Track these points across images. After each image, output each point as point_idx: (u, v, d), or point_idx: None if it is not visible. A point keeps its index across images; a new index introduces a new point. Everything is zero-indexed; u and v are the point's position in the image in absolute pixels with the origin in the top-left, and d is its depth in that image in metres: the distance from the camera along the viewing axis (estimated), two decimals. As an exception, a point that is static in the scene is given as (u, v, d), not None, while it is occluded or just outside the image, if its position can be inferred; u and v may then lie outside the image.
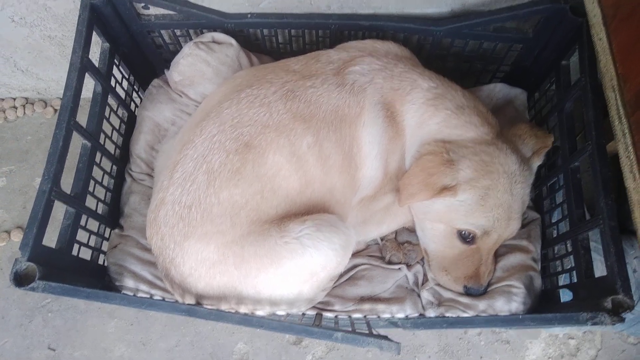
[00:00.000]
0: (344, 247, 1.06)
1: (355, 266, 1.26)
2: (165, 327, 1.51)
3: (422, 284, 1.24)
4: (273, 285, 1.04)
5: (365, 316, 1.17)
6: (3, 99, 1.85)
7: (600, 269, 1.06)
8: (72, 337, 1.51)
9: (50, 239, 1.01)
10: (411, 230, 1.30)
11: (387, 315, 1.17)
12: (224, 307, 1.06)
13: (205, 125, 1.08)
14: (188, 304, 1.05)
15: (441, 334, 1.47)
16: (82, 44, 1.16)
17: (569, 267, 1.12)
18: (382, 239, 1.31)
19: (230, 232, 1.03)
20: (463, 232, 1.09)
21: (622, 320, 0.86)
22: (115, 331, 1.52)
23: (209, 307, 1.06)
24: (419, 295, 1.22)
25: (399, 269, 1.25)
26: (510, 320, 1.01)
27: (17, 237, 1.65)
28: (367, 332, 0.99)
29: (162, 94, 1.44)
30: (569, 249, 1.13)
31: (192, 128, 1.11)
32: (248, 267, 1.02)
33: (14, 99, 1.85)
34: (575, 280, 1.08)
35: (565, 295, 1.12)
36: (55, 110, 1.85)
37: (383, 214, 1.23)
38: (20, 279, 0.94)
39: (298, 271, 1.03)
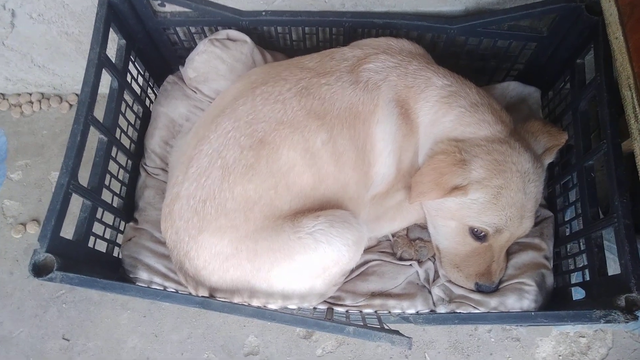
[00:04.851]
0: (357, 242, 1.07)
1: (366, 262, 1.27)
2: (177, 320, 1.53)
3: (433, 280, 1.24)
4: (286, 280, 1.05)
5: (376, 311, 1.18)
6: (20, 94, 1.87)
7: (612, 268, 1.06)
8: (85, 328, 1.54)
9: (65, 232, 1.02)
10: (423, 227, 1.30)
11: (397, 311, 1.17)
12: (236, 300, 1.07)
13: (220, 121, 1.09)
14: (202, 297, 1.07)
15: (451, 331, 1.47)
16: (100, 40, 1.17)
17: (581, 265, 1.12)
18: (393, 236, 1.32)
19: (244, 227, 1.04)
20: (475, 230, 1.09)
21: (636, 318, 0.86)
22: (128, 323, 1.54)
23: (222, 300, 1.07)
24: (429, 292, 1.23)
25: (410, 265, 1.26)
26: (522, 317, 1.01)
27: (32, 229, 1.67)
28: (378, 326, 1.00)
29: (177, 90, 1.46)
30: (582, 247, 1.12)
31: (207, 124, 1.12)
32: (261, 261, 1.04)
33: (30, 94, 1.88)
34: (588, 279, 1.08)
35: (577, 294, 1.12)
36: (71, 105, 1.87)
37: (395, 210, 1.23)
38: (39, 270, 0.96)
39: (311, 266, 1.04)
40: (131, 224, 1.32)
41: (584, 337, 1.46)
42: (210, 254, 1.05)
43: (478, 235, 1.10)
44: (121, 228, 1.32)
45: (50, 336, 1.54)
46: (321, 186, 1.10)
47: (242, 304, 1.05)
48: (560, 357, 1.44)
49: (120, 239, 1.31)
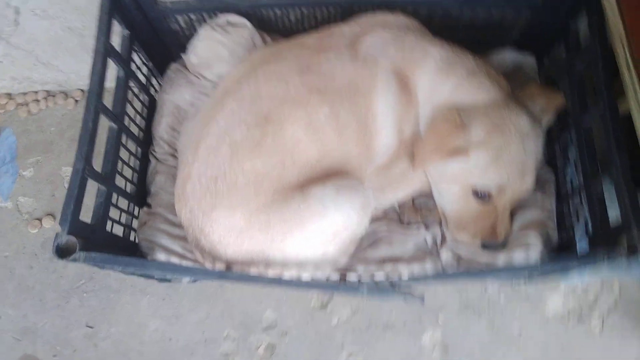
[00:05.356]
0: (364, 207, 1.11)
1: (375, 231, 1.31)
2: (195, 300, 1.57)
3: (441, 245, 1.28)
4: (298, 248, 1.09)
5: (387, 275, 1.21)
6: (26, 93, 1.91)
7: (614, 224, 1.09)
8: (107, 315, 1.59)
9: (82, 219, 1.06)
10: (428, 197, 1.33)
11: (408, 274, 1.21)
12: (253, 271, 1.11)
13: (225, 102, 1.13)
14: (220, 270, 1.11)
15: (461, 292, 1.51)
16: (105, 30, 1.20)
17: (584, 220, 1.15)
18: (399, 206, 1.35)
19: (255, 201, 1.08)
20: (478, 191, 1.13)
21: (637, 256, 0.89)
22: (148, 307, 1.58)
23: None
24: (438, 256, 1.27)
25: (417, 228, 1.29)
26: (530, 269, 1.04)
27: (48, 223, 1.72)
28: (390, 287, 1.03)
29: (181, 78, 1.49)
30: (584, 203, 1.16)
31: (213, 106, 1.16)
32: (274, 232, 1.08)
33: (36, 92, 1.92)
34: (591, 232, 1.11)
35: (581, 250, 1.16)
36: (76, 101, 1.91)
37: (399, 179, 1.27)
38: (62, 252, 0.99)
39: (321, 232, 1.08)
40: (145, 208, 1.36)
41: (591, 291, 1.50)
42: (225, 228, 1.09)
43: (481, 196, 1.13)
44: (135, 213, 1.37)
45: (74, 325, 1.59)
46: (326, 159, 1.14)
47: (258, 275, 1.09)
48: (569, 312, 1.48)
49: (135, 223, 1.35)
